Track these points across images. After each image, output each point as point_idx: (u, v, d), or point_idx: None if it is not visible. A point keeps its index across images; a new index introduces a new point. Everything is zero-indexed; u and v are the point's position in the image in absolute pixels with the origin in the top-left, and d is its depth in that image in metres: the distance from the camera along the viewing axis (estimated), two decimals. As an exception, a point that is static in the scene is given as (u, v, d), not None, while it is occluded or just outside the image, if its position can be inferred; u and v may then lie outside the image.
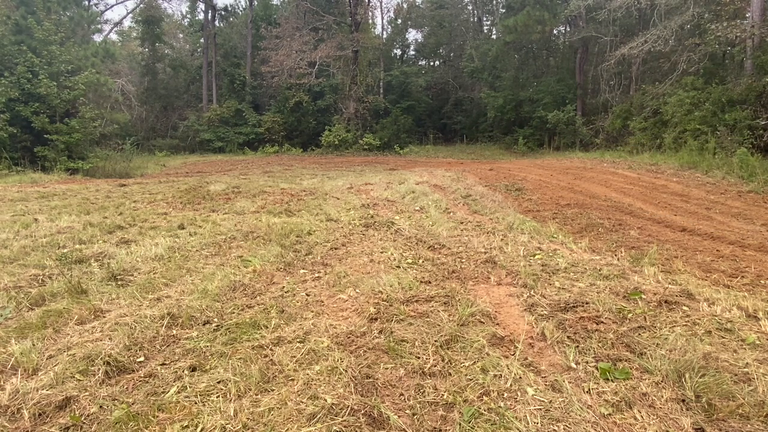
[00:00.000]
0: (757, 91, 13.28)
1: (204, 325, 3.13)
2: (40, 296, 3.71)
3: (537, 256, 4.53)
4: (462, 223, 6.34)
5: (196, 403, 2.25)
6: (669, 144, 15.05)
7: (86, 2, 26.13)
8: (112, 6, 37.09)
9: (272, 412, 2.15)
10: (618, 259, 4.56)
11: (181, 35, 40.23)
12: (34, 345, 2.81)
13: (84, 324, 3.18)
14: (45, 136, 15.44)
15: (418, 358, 2.63)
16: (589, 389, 2.32)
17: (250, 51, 31.05)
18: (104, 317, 3.28)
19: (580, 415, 2.11)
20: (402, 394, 2.31)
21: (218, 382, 2.40)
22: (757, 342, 2.74)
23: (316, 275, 4.21)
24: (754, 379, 2.34)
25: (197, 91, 32.84)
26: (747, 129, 12.79)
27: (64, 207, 8.05)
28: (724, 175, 10.48)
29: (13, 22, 16.00)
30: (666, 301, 3.28)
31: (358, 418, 2.09)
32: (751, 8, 14.69)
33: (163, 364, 2.63)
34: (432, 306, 3.32)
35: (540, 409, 2.16)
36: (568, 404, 2.18)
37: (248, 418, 2.11)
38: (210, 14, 32.55)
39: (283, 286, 3.90)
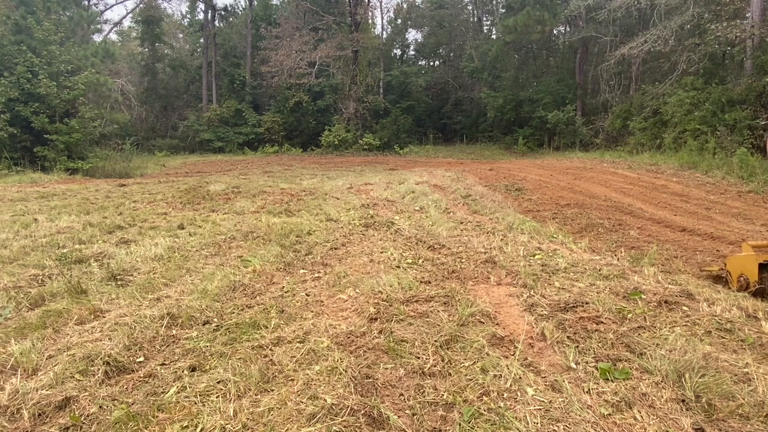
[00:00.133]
0: (757, 91, 13.28)
1: (204, 325, 3.13)
2: (40, 296, 3.71)
3: (537, 256, 4.53)
4: (462, 223, 6.34)
5: (195, 403, 2.24)
6: (669, 144, 15.05)
7: (86, 2, 26.12)
8: (112, 6, 37.14)
9: (272, 412, 2.15)
10: (618, 259, 4.56)
11: (180, 35, 40.22)
12: (33, 345, 2.81)
13: (84, 324, 3.18)
14: (45, 136, 15.44)
15: (418, 358, 2.63)
16: (589, 389, 2.32)
17: (250, 51, 31.04)
18: (104, 317, 3.28)
19: (580, 415, 2.11)
20: (402, 394, 2.31)
21: (218, 382, 2.40)
22: (758, 342, 2.74)
23: (316, 275, 4.21)
24: (754, 379, 2.34)
25: (197, 91, 32.84)
26: (747, 129, 12.79)
27: (64, 207, 8.05)
28: (724, 175, 10.48)
29: (13, 22, 15.99)
30: (666, 301, 3.28)
31: (358, 418, 2.09)
32: (751, 8, 14.69)
33: (162, 364, 2.63)
34: (432, 306, 3.32)
35: (540, 409, 2.15)
36: (568, 404, 2.18)
37: (248, 418, 2.11)
38: (210, 14, 32.55)
39: (283, 286, 3.90)
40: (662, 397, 2.23)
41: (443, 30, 35.92)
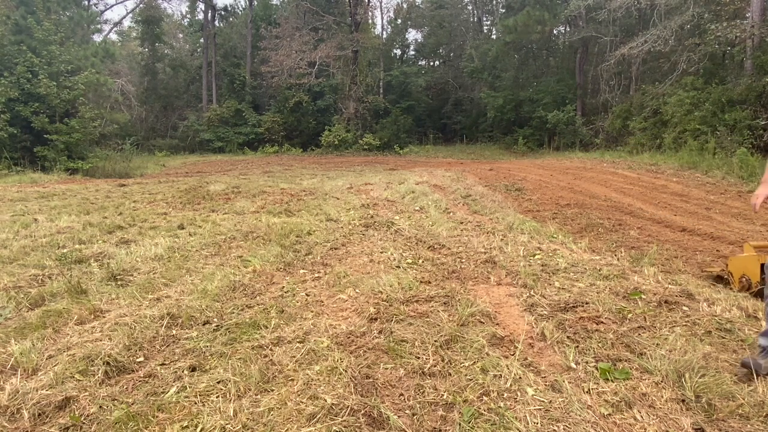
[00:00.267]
0: (757, 91, 13.27)
1: (204, 325, 3.13)
2: (40, 296, 3.71)
3: (537, 256, 4.53)
4: (462, 223, 6.34)
5: (195, 403, 2.24)
6: (669, 144, 15.04)
7: (86, 2, 26.12)
8: (112, 6, 37.15)
9: (272, 413, 2.15)
10: (618, 259, 4.56)
11: (180, 35, 40.23)
12: (33, 345, 2.81)
13: (84, 324, 3.18)
14: (45, 136, 15.43)
15: (418, 358, 2.63)
16: (589, 389, 2.32)
17: (250, 51, 31.03)
18: (104, 317, 3.28)
19: (580, 416, 2.11)
20: (402, 394, 2.31)
21: (218, 382, 2.40)
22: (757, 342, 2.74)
23: (316, 275, 4.21)
24: (753, 379, 2.34)
25: (197, 91, 32.83)
26: (747, 129, 12.79)
27: (64, 207, 8.05)
28: (724, 175, 10.48)
29: (13, 22, 15.99)
30: (666, 301, 3.28)
31: (358, 418, 2.09)
32: (751, 8, 14.69)
33: (162, 364, 2.63)
34: (432, 306, 3.32)
35: (540, 409, 2.15)
36: (568, 404, 2.18)
37: (248, 419, 2.11)
38: (210, 14, 32.55)
39: (283, 286, 3.90)
40: (662, 397, 2.23)
41: (443, 30, 35.92)
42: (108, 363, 2.57)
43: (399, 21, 39.28)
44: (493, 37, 32.44)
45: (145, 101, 30.78)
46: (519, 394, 2.27)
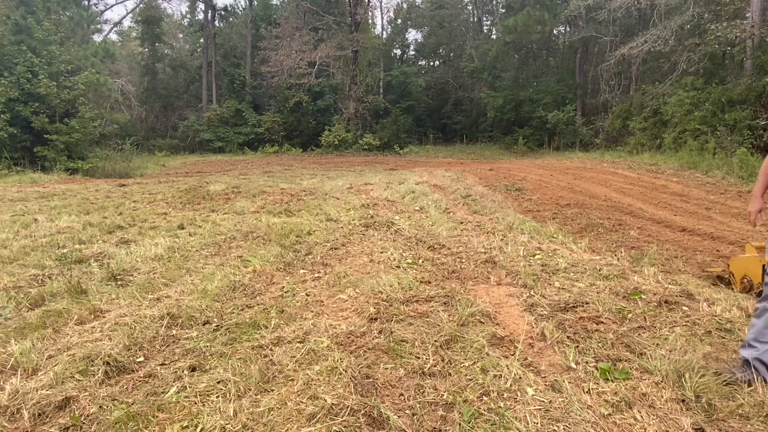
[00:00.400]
0: (757, 91, 13.28)
1: (204, 325, 3.13)
2: (40, 296, 3.71)
3: (537, 256, 4.53)
4: (462, 223, 6.34)
5: (195, 403, 2.24)
6: (669, 144, 15.05)
7: (86, 2, 26.12)
8: (112, 6, 37.16)
9: (272, 413, 2.15)
10: (618, 259, 4.56)
11: (180, 35, 40.23)
12: (33, 345, 2.81)
13: (84, 324, 3.18)
14: (45, 136, 15.43)
15: (418, 358, 2.63)
16: (589, 389, 2.31)
17: (250, 51, 31.03)
18: (104, 317, 3.28)
19: (580, 416, 2.11)
20: (402, 394, 2.31)
21: (218, 382, 2.40)
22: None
23: (316, 275, 4.21)
24: (753, 379, 2.34)
25: (197, 91, 32.84)
26: (747, 129, 12.79)
27: (64, 207, 8.05)
28: (724, 175, 10.48)
29: (13, 22, 15.99)
30: (666, 301, 3.28)
31: (358, 418, 2.09)
32: (751, 8, 14.69)
33: (162, 364, 2.63)
34: (432, 306, 3.32)
35: (540, 409, 2.15)
36: (568, 404, 2.18)
37: (248, 419, 2.11)
38: (210, 14, 32.56)
39: (283, 286, 3.90)
40: (662, 397, 2.23)
41: (443, 30, 35.92)
42: (108, 363, 2.57)
43: (399, 21, 39.29)
44: (493, 37, 32.45)
45: (145, 101, 30.79)
46: (519, 394, 2.27)
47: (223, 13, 35.51)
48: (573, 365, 2.54)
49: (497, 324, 3.07)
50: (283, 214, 7.12)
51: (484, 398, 2.24)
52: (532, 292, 3.56)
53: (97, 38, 26.05)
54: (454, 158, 23.02)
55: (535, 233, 5.69)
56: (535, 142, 25.07)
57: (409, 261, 4.48)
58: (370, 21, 34.38)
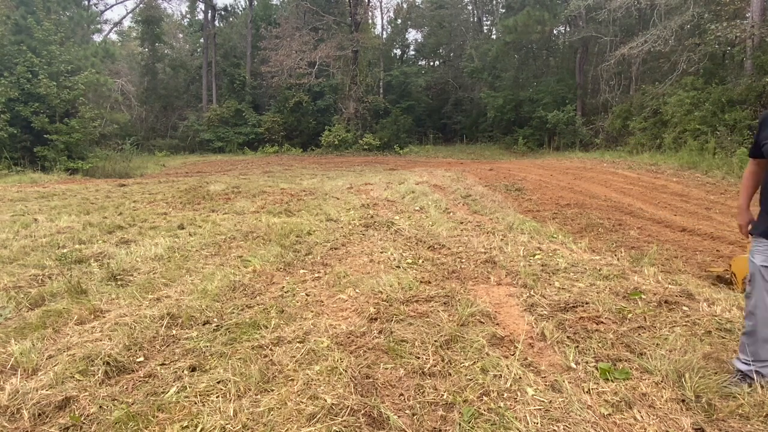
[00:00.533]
0: (757, 91, 13.28)
1: (204, 325, 3.13)
2: (40, 296, 3.71)
3: (537, 256, 4.53)
4: (462, 223, 6.34)
5: (195, 403, 2.24)
6: (669, 144, 15.05)
7: (86, 2, 26.12)
8: (112, 6, 37.15)
9: (272, 413, 2.15)
10: (618, 259, 4.56)
11: (180, 35, 40.22)
12: (33, 345, 2.81)
13: (84, 324, 3.18)
14: (45, 136, 15.44)
15: (418, 358, 2.63)
16: (589, 389, 2.32)
17: (250, 51, 31.03)
18: (104, 317, 3.28)
19: (580, 416, 2.11)
20: (402, 394, 2.31)
21: (218, 382, 2.40)
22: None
23: (316, 275, 4.21)
24: (753, 379, 2.34)
25: (197, 91, 32.83)
26: (747, 129, 12.79)
27: (64, 207, 8.05)
28: (724, 175, 10.48)
29: (13, 22, 15.99)
30: (666, 301, 3.28)
31: (358, 418, 2.09)
32: (751, 8, 14.69)
33: (162, 364, 2.63)
34: (432, 306, 3.32)
35: (540, 409, 2.15)
36: (568, 404, 2.18)
37: (248, 419, 2.11)
38: (210, 14, 32.55)
39: (283, 286, 3.90)
40: (662, 397, 2.23)
41: (443, 30, 35.92)
42: (108, 363, 2.57)
43: (399, 21, 39.28)
44: (493, 37, 32.43)
45: (145, 101, 30.78)
46: (519, 394, 2.27)
47: (223, 13, 35.53)
48: (573, 365, 2.54)
49: (497, 324, 3.07)
50: (283, 214, 7.12)
51: (484, 398, 2.24)
52: (532, 292, 3.56)
53: (97, 38, 26.08)
54: (454, 158, 23.02)
55: (535, 233, 5.69)
56: (535, 142, 25.06)
57: (409, 261, 4.48)
58: (370, 21, 34.42)
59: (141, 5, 31.49)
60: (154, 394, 2.34)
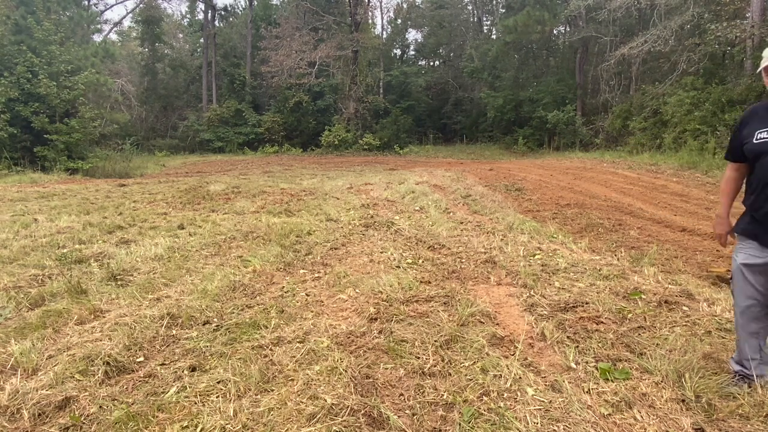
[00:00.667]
0: (757, 91, 13.27)
1: (204, 325, 3.13)
2: (40, 296, 3.71)
3: (537, 256, 4.53)
4: (462, 223, 6.34)
5: (195, 403, 2.24)
6: (669, 144, 15.05)
7: (86, 2, 26.12)
8: (112, 6, 37.16)
9: (272, 413, 2.15)
10: (618, 259, 4.56)
11: (180, 35, 40.22)
12: (33, 345, 2.81)
13: (84, 324, 3.18)
14: (45, 136, 15.44)
15: (418, 358, 2.63)
16: (589, 389, 2.32)
17: (250, 51, 31.03)
18: (104, 317, 3.28)
19: (580, 416, 2.11)
20: (402, 394, 2.31)
21: (218, 382, 2.40)
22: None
23: (316, 275, 4.21)
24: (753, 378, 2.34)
25: (197, 91, 32.83)
26: (747, 129, 12.77)
27: (64, 207, 8.05)
28: (724, 175, 10.46)
29: (13, 22, 15.98)
30: (666, 301, 3.28)
31: (358, 418, 2.09)
32: (751, 8, 14.69)
33: (162, 364, 2.63)
34: (432, 306, 3.32)
35: (540, 409, 2.15)
36: (568, 404, 2.18)
37: (248, 419, 2.11)
38: (210, 14, 32.56)
39: (283, 286, 3.90)
40: (662, 397, 2.23)
41: (443, 30, 35.92)
42: (108, 363, 2.57)
43: (399, 21, 39.29)
44: (493, 37, 32.43)
45: (145, 101, 30.79)
46: (519, 394, 2.27)
47: (223, 13, 35.54)
48: (573, 365, 2.54)
49: (497, 324, 3.07)
50: (283, 214, 7.12)
51: (484, 398, 2.24)
52: (532, 292, 3.56)
53: (97, 38, 26.09)
54: (454, 158, 23.02)
55: (535, 233, 5.69)
56: (535, 142, 25.06)
57: (409, 261, 4.48)
58: (370, 21, 34.42)
59: (141, 5, 31.50)
60: (154, 394, 2.34)
